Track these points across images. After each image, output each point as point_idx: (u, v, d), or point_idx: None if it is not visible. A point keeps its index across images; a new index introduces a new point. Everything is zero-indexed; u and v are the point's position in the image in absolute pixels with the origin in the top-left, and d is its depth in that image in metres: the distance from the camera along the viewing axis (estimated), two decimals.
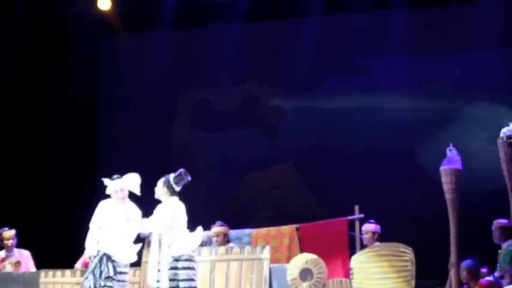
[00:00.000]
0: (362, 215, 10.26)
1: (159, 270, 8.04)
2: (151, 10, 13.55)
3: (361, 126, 12.79)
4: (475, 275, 8.62)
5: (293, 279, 8.78)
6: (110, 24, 13.81)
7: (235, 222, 10.38)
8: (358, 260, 8.66)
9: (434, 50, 12.77)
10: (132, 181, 8.48)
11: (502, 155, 7.61)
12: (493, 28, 12.26)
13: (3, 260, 10.21)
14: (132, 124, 13.95)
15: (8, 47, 13.03)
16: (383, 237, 9.46)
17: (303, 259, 8.96)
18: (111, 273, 8.15)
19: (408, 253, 8.43)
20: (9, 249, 10.27)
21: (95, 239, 8.35)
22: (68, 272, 9.48)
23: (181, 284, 7.95)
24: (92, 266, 8.21)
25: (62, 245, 11.96)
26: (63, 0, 13.52)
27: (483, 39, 12.29)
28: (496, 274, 8.55)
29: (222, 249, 9.18)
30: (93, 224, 8.42)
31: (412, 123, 12.52)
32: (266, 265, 8.90)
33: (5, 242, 10.25)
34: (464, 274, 8.57)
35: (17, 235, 10.34)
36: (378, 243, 9.31)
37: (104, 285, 8.11)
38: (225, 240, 9.81)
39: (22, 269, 10.10)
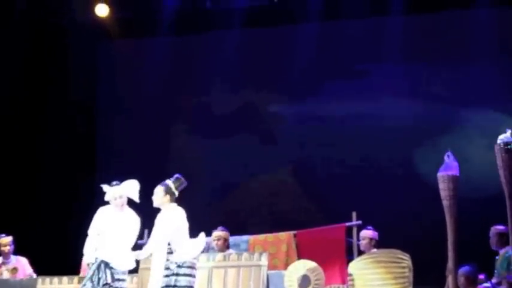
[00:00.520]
0: (360, 222, 10.26)
1: (165, 276, 8.05)
2: (149, 16, 13.56)
3: (359, 133, 12.79)
4: (472, 281, 8.62)
5: (291, 285, 8.77)
6: (108, 31, 13.82)
7: (232, 229, 10.36)
8: (355, 267, 8.65)
9: (432, 57, 12.77)
10: (131, 188, 8.46)
11: (499, 162, 7.60)
12: (491, 35, 12.27)
13: (0, 266, 10.21)
14: (130, 130, 13.94)
15: (6, 52, 13.03)
16: (381, 243, 9.46)
17: (300, 266, 8.94)
18: (109, 280, 8.12)
19: (406, 259, 8.42)
20: (6, 256, 10.26)
21: (93, 245, 8.34)
22: (65, 278, 9.45)
23: None
24: (89, 272, 8.18)
25: (59, 252, 11.95)
26: (62, 6, 13.52)
27: (481, 45, 12.29)
28: (494, 280, 8.56)
29: (219, 255, 9.18)
30: (91, 231, 8.40)
31: (410, 129, 12.52)
32: (264, 272, 8.89)
33: (2, 248, 10.24)
34: (462, 280, 8.56)
35: (14, 242, 10.32)
36: (375, 250, 9.31)
37: None
38: (225, 245, 9.83)
39: (19, 276, 10.09)
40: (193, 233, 8.20)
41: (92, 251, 8.27)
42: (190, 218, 8.23)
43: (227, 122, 13.63)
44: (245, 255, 9.14)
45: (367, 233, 9.65)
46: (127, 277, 8.46)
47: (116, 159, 13.75)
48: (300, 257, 10.12)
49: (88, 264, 8.28)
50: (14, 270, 10.12)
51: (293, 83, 13.34)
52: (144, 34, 13.93)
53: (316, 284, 8.75)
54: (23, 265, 10.30)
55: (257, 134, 13.52)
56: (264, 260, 8.93)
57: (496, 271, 8.63)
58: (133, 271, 9.11)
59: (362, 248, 9.57)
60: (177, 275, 7.98)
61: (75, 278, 9.39)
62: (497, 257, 8.69)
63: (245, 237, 10.74)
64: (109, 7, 13.42)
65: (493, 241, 8.73)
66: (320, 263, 8.97)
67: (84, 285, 8.17)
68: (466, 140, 11.84)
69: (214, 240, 9.66)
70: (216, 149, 13.49)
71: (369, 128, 12.71)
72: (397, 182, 12.27)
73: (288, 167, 13.25)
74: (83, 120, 14.04)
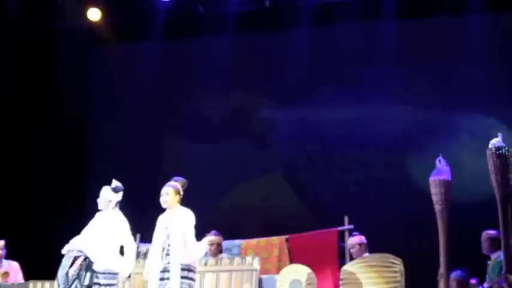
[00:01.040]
0: (352, 226, 10.26)
1: (161, 279, 8.03)
2: (142, 21, 13.54)
3: (351, 137, 12.79)
4: (464, 286, 8.65)
5: None
6: (100, 35, 13.80)
7: (224, 233, 10.37)
8: (347, 271, 8.66)
9: (424, 61, 12.79)
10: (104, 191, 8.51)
11: (490, 166, 7.62)
12: (482, 40, 12.30)
13: None
14: (122, 134, 13.93)
15: None
16: (372, 248, 9.47)
17: (292, 270, 8.96)
18: (87, 282, 8.09)
19: (398, 264, 8.44)
20: None
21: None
22: (56, 283, 9.44)
23: None
24: (74, 275, 8.16)
25: (51, 256, 11.91)
26: (54, 11, 13.49)
27: (472, 51, 12.32)
28: (485, 285, 8.58)
29: (211, 260, 9.18)
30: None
31: (402, 134, 12.53)
32: (256, 276, 8.90)
33: None
34: (453, 285, 8.59)
35: (6, 246, 10.30)
36: (367, 254, 9.32)
37: None
38: (218, 250, 9.85)
39: (10, 280, 10.07)
40: None
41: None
42: None
43: (219, 126, 13.63)
44: (237, 259, 9.15)
45: (355, 240, 9.66)
46: (117, 281, 8.42)
47: (108, 164, 13.72)
48: (292, 261, 10.13)
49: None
50: (6, 274, 10.11)
51: (285, 87, 13.34)
52: (136, 38, 13.91)
53: None
54: (14, 269, 10.28)
55: (249, 139, 13.51)
56: (256, 265, 8.95)
57: (487, 276, 8.65)
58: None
59: (354, 256, 9.56)
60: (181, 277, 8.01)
61: None
62: (488, 262, 8.71)
63: (237, 242, 10.74)
64: (101, 12, 13.40)
65: (484, 246, 8.75)
66: (312, 267, 8.98)
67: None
68: (458, 145, 11.85)
69: (207, 245, 9.65)
70: (208, 154, 13.48)
71: (361, 133, 12.72)
72: (388, 187, 12.28)
73: (279, 171, 13.25)
74: (75, 125, 14.00)
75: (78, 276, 8.10)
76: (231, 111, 13.63)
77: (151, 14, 13.41)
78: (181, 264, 8.01)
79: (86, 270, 8.14)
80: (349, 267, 8.76)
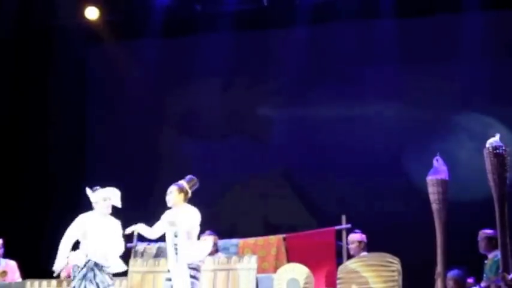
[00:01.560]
0: (349, 225, 10.27)
1: (167, 279, 8.07)
2: (139, 19, 13.54)
3: (348, 136, 12.79)
4: (461, 285, 8.65)
5: None
6: (98, 34, 13.79)
7: (222, 232, 10.37)
8: (345, 270, 8.67)
9: (422, 60, 12.79)
10: (114, 194, 8.50)
11: (488, 166, 7.62)
12: (480, 38, 12.30)
13: None
14: (119, 132, 13.92)
15: None
16: (370, 247, 9.47)
17: (290, 269, 8.97)
18: (110, 282, 8.14)
19: (395, 263, 8.45)
20: None
21: (82, 250, 8.33)
22: (53, 281, 9.46)
23: None
24: (80, 274, 8.16)
25: (49, 255, 11.91)
26: (51, 9, 13.49)
27: (470, 49, 12.32)
28: (483, 284, 8.57)
29: (208, 259, 9.18)
30: (72, 235, 8.40)
31: (400, 132, 12.54)
32: (253, 275, 8.90)
33: None
34: (450, 284, 8.60)
35: (4, 245, 10.30)
36: (365, 253, 9.32)
37: None
38: (214, 249, 9.84)
39: (8, 279, 10.07)
40: None
41: (82, 254, 8.26)
42: None
43: (217, 124, 13.62)
44: (234, 258, 9.15)
45: (355, 237, 9.66)
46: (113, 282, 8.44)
47: (106, 161, 13.73)
48: (289, 260, 10.14)
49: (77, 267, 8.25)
50: (4, 273, 10.11)
51: (283, 86, 13.34)
52: (134, 37, 13.90)
53: None
54: (12, 268, 10.28)
55: (246, 137, 13.51)
56: (254, 263, 8.95)
57: (484, 275, 8.65)
58: (123, 274, 9.13)
59: (352, 252, 9.58)
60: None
61: (64, 282, 9.38)
62: (486, 261, 8.71)
63: (234, 241, 10.75)
64: (99, 10, 13.40)
65: (481, 245, 8.75)
66: (310, 266, 9.00)
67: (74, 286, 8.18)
68: (455, 144, 11.85)
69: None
70: (206, 152, 13.47)
71: (359, 131, 12.73)
72: (386, 186, 12.28)
73: (277, 170, 13.24)
74: (73, 123, 13.99)
75: (85, 277, 8.13)
76: (230, 109, 13.63)
77: (149, 12, 13.41)
78: (190, 264, 8.05)
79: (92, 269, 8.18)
80: (346, 266, 8.77)
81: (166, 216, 8.38)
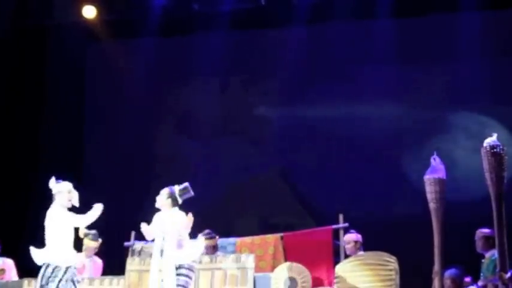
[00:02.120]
0: (346, 224, 10.26)
1: (162, 280, 8.07)
2: (137, 18, 13.53)
3: (346, 135, 12.81)
4: (458, 284, 8.64)
5: None
6: (95, 32, 13.78)
7: (219, 231, 10.37)
8: (342, 269, 8.68)
9: (419, 59, 12.81)
10: (76, 192, 8.54)
11: (485, 165, 7.63)
12: (476, 38, 12.32)
13: None
14: (116, 132, 13.92)
15: None
16: (367, 246, 9.47)
17: (287, 268, 8.97)
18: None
19: (392, 262, 8.45)
20: None
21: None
22: None
23: None
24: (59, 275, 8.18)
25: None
26: (49, 8, 13.48)
27: (467, 49, 12.34)
28: (480, 283, 8.58)
29: (206, 257, 9.18)
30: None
31: (397, 132, 12.55)
32: (250, 274, 8.89)
33: None
34: (448, 283, 8.59)
35: (1, 244, 10.29)
36: (362, 252, 9.32)
37: None
38: (215, 250, 9.86)
39: (6, 278, 10.06)
40: None
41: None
42: None
43: (214, 124, 13.63)
44: (232, 257, 9.15)
45: (351, 237, 9.65)
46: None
47: (104, 159, 13.72)
48: (286, 259, 10.13)
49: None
50: (1, 271, 10.09)
51: (280, 85, 13.35)
52: (131, 36, 13.90)
53: (303, 287, 8.79)
54: (9, 267, 10.27)
55: (244, 136, 13.51)
56: (251, 262, 8.94)
57: (482, 274, 8.65)
58: (120, 273, 9.14)
59: (348, 252, 9.56)
60: (176, 275, 8.03)
61: None
62: (483, 260, 8.71)
63: (232, 240, 10.74)
64: (96, 9, 13.39)
65: (479, 244, 8.74)
66: (307, 265, 9.00)
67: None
68: (453, 143, 11.88)
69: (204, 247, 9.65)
70: (203, 152, 13.48)
71: (356, 131, 12.73)
72: (383, 185, 12.29)
73: (275, 169, 13.25)
74: (71, 121, 13.98)
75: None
76: (227, 108, 13.64)
77: (147, 12, 13.40)
78: (176, 265, 8.05)
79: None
80: (344, 265, 8.78)
81: (156, 218, 8.40)
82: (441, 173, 8.21)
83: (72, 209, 8.40)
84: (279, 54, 13.26)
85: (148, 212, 8.66)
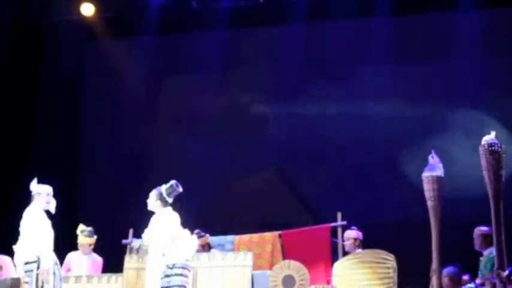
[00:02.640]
0: (345, 222, 10.27)
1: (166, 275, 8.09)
2: (135, 16, 13.52)
3: (344, 134, 12.81)
4: (456, 282, 8.65)
5: (275, 286, 8.79)
6: (93, 30, 13.77)
7: (217, 229, 10.37)
8: (340, 267, 8.68)
9: (417, 58, 12.81)
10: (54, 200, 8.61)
11: (483, 163, 7.62)
12: (475, 36, 12.32)
13: None
14: (114, 129, 13.90)
15: None
16: (365, 244, 9.48)
17: (285, 266, 8.97)
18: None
19: (390, 260, 8.46)
20: None
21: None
22: None
23: None
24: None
25: None
26: (47, 6, 13.47)
27: (465, 47, 12.34)
28: (478, 281, 8.59)
29: (204, 255, 9.18)
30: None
31: (395, 130, 12.55)
32: (248, 272, 8.90)
33: None
34: (446, 281, 8.59)
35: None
36: (360, 250, 9.33)
37: None
38: (208, 249, 9.87)
39: (3, 275, 10.05)
40: None
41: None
42: None
43: (212, 122, 13.62)
44: (230, 255, 9.15)
45: (352, 233, 9.65)
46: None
47: (101, 157, 13.71)
48: (285, 257, 10.14)
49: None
50: None
51: (278, 83, 13.34)
52: (129, 33, 13.89)
53: (301, 285, 8.78)
54: (7, 264, 10.26)
55: (242, 134, 13.51)
56: (249, 260, 8.95)
57: (479, 272, 8.66)
58: (118, 271, 9.14)
59: (347, 249, 9.58)
60: (169, 276, 8.03)
61: None
62: (481, 258, 8.72)
63: (230, 237, 10.75)
64: (94, 7, 13.38)
65: (477, 242, 8.76)
66: (305, 263, 9.00)
67: None
68: (451, 141, 11.88)
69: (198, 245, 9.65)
70: (201, 150, 13.47)
71: (354, 129, 12.74)
72: (381, 183, 12.30)
73: (273, 167, 13.25)
74: (68, 119, 13.97)
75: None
76: (225, 107, 13.63)
77: (145, 9, 13.39)
78: (168, 264, 8.06)
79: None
80: (341, 263, 8.78)
81: (151, 220, 8.42)
82: (439, 171, 8.21)
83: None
84: (277, 52, 13.25)
85: (145, 209, 8.66)
